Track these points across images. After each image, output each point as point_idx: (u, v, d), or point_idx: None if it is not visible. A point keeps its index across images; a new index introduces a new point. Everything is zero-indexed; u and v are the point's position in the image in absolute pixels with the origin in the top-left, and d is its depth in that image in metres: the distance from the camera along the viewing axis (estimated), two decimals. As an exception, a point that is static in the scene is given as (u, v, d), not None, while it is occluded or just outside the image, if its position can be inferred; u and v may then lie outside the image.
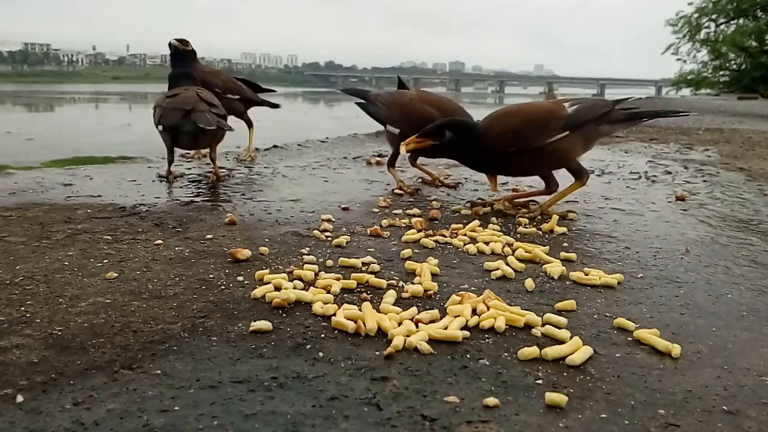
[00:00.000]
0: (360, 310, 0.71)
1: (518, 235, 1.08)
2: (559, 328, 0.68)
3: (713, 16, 14.89)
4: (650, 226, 1.19)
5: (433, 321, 0.69)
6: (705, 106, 6.19)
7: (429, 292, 0.78)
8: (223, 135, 1.51)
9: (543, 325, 0.69)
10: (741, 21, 14.59)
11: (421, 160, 1.57)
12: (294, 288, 0.78)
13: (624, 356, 0.63)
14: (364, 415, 0.51)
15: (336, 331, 0.67)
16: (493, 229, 1.09)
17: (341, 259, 0.90)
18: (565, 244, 1.04)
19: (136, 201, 1.27)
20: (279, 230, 1.07)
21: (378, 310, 0.71)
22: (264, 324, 0.67)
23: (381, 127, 1.59)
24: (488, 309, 0.71)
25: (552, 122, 1.20)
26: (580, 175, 1.24)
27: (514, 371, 0.59)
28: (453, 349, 0.63)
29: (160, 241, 0.98)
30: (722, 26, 14.89)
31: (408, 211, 1.23)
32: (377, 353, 0.62)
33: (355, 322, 0.67)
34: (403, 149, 1.25)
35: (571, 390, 0.56)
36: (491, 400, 0.53)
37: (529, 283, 0.82)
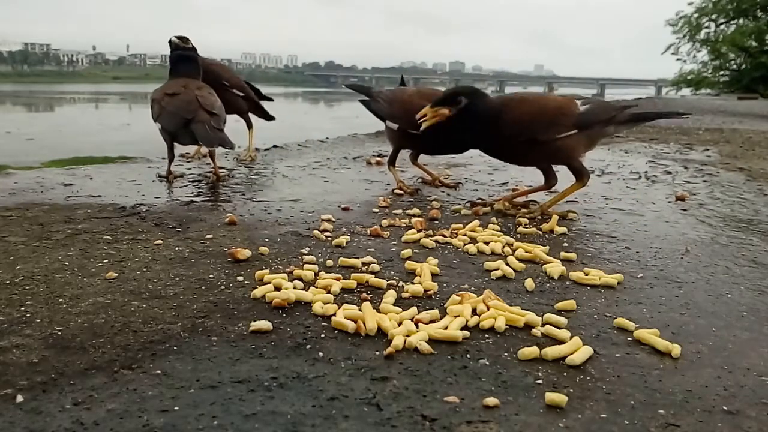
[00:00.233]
0: (360, 310, 0.71)
1: (518, 235, 1.08)
2: (559, 328, 0.68)
3: (713, 16, 14.89)
4: (650, 226, 1.19)
5: (433, 321, 0.69)
6: (705, 106, 6.19)
7: (429, 292, 0.78)
8: None
9: (543, 325, 0.69)
10: (741, 21, 14.59)
11: (421, 159, 1.57)
12: (294, 288, 0.78)
13: (624, 356, 0.63)
14: (364, 415, 0.51)
15: (336, 331, 0.67)
16: (493, 229, 1.09)
17: (341, 259, 0.90)
18: (565, 244, 1.04)
19: (136, 201, 1.27)
20: (279, 230, 1.07)
21: (378, 310, 0.71)
22: (264, 324, 0.67)
23: (381, 127, 1.59)
24: (488, 309, 0.71)
25: (563, 118, 1.20)
26: (581, 176, 1.24)
27: (514, 371, 0.59)
28: (453, 349, 0.63)
29: (160, 241, 0.98)
30: (722, 26, 14.89)
31: (408, 211, 1.23)
32: (377, 353, 0.62)
33: (355, 322, 0.67)
34: (424, 126, 1.23)
35: (571, 390, 0.56)
36: (491, 400, 0.53)
37: (529, 283, 0.82)
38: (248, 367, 0.59)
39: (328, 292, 0.77)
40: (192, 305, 0.73)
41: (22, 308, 0.71)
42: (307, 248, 0.97)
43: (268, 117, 2.02)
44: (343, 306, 0.72)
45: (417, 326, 0.67)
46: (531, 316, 0.69)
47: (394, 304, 0.73)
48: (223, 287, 0.79)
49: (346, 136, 2.68)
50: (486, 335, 0.67)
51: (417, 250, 0.97)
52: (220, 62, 2.02)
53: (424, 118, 1.22)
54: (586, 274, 0.86)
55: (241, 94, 1.90)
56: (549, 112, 1.21)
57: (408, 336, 0.64)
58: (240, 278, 0.82)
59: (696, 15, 14.93)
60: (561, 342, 0.65)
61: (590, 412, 0.53)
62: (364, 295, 0.76)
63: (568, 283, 0.85)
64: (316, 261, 0.90)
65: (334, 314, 0.70)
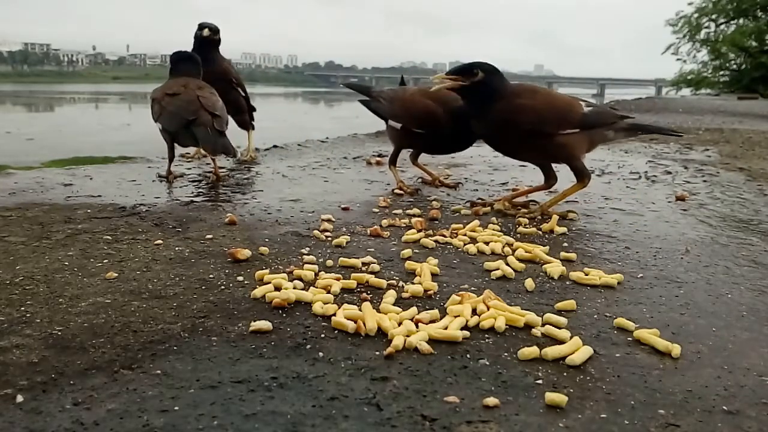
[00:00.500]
0: (360, 310, 0.71)
1: (518, 235, 1.08)
2: (559, 328, 0.68)
3: (713, 16, 14.88)
4: (650, 226, 1.19)
5: (433, 321, 0.69)
6: (705, 106, 6.19)
7: (429, 292, 0.78)
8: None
9: (543, 325, 0.69)
10: (741, 21, 14.58)
11: (421, 159, 1.57)
12: (294, 288, 0.78)
13: (624, 356, 0.63)
14: (364, 415, 0.51)
15: (336, 331, 0.67)
16: (493, 229, 1.09)
17: (341, 259, 0.90)
18: (565, 244, 1.04)
19: (136, 201, 1.27)
20: (279, 230, 1.07)
21: (378, 310, 0.71)
22: (264, 324, 0.67)
23: (381, 127, 1.59)
24: (488, 309, 0.71)
25: (570, 115, 1.21)
26: (582, 176, 1.24)
27: (514, 371, 0.59)
28: (453, 349, 0.63)
29: (160, 241, 0.98)
30: (722, 26, 14.89)
31: (408, 211, 1.23)
32: (377, 353, 0.62)
33: (355, 322, 0.67)
34: (435, 88, 1.24)
35: (571, 390, 0.56)
36: (491, 400, 0.53)
37: (529, 283, 0.82)
38: (248, 367, 0.59)
39: (328, 292, 0.77)
40: (192, 305, 0.73)
41: (22, 308, 0.71)
42: (307, 248, 0.97)
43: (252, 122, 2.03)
44: (343, 306, 0.72)
45: (417, 326, 0.67)
46: (531, 316, 0.69)
47: (394, 304, 0.73)
48: (223, 287, 0.79)
49: (346, 136, 2.68)
50: (486, 335, 0.67)
51: (417, 250, 0.97)
52: (229, 60, 2.03)
53: (436, 82, 1.23)
54: (586, 274, 0.86)
55: (243, 94, 1.91)
56: (558, 106, 1.22)
57: (408, 336, 0.64)
58: (240, 278, 0.82)
59: (696, 15, 14.93)
60: (561, 342, 0.65)
61: (590, 412, 0.53)
62: (364, 295, 0.76)
63: (568, 283, 0.85)
64: (316, 261, 0.90)
65: (334, 314, 0.70)
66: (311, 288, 0.78)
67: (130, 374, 0.57)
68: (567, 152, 1.23)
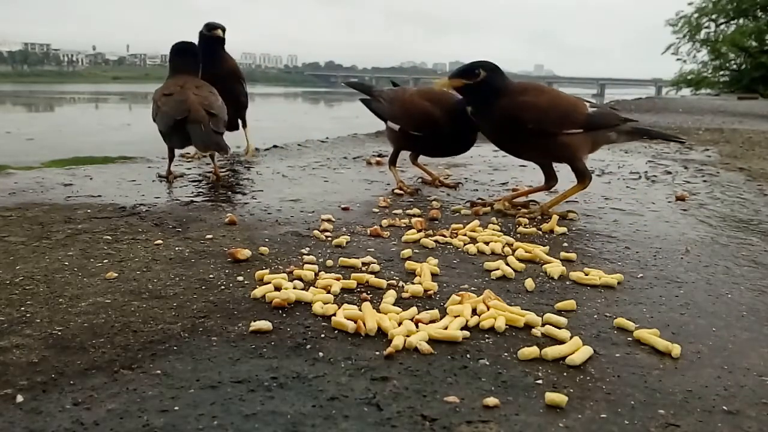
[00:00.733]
0: (360, 310, 0.71)
1: (518, 235, 1.08)
2: (559, 328, 0.68)
3: (713, 16, 14.88)
4: (650, 226, 1.19)
5: (433, 321, 0.69)
6: (705, 106, 6.19)
7: (429, 292, 0.78)
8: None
9: (543, 325, 0.69)
10: (741, 21, 14.58)
11: (421, 159, 1.57)
12: (294, 288, 0.78)
13: (624, 356, 0.63)
14: (364, 415, 0.51)
15: (336, 331, 0.67)
16: (493, 229, 1.09)
17: (341, 259, 0.90)
18: (565, 244, 1.04)
19: (136, 201, 1.27)
20: (279, 230, 1.07)
21: (378, 310, 0.71)
22: (264, 324, 0.67)
23: (381, 127, 1.59)
24: (488, 309, 0.71)
25: (574, 115, 1.21)
26: (583, 177, 1.24)
27: (514, 371, 0.59)
28: (453, 349, 0.63)
29: (160, 241, 0.98)
30: (722, 26, 14.89)
31: (408, 211, 1.23)
32: (377, 353, 0.62)
33: (355, 322, 0.67)
34: (437, 87, 1.27)
35: (571, 390, 0.56)
36: (491, 400, 0.53)
37: (529, 283, 0.82)
38: (248, 367, 0.59)
39: (328, 292, 0.77)
40: (192, 305, 0.73)
41: (22, 308, 0.71)
42: (307, 248, 0.97)
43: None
44: (343, 306, 0.72)
45: (417, 326, 0.67)
46: (531, 316, 0.69)
47: (394, 304, 0.73)
48: (223, 287, 0.79)
49: (346, 136, 2.67)
50: (486, 335, 0.67)
51: (417, 250, 0.97)
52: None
53: (444, 85, 1.24)
54: (586, 274, 0.86)
55: (245, 92, 1.93)
56: (563, 106, 1.22)
57: (408, 336, 0.64)
58: (240, 278, 0.82)
59: (696, 15, 14.93)
60: (561, 342, 0.65)
61: (590, 412, 0.53)
62: (364, 295, 0.76)
63: (568, 283, 0.85)
64: (316, 261, 0.90)
65: (334, 314, 0.70)
66: (311, 288, 0.78)
67: (130, 374, 0.57)
68: (569, 152, 1.23)
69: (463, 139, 1.41)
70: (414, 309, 0.72)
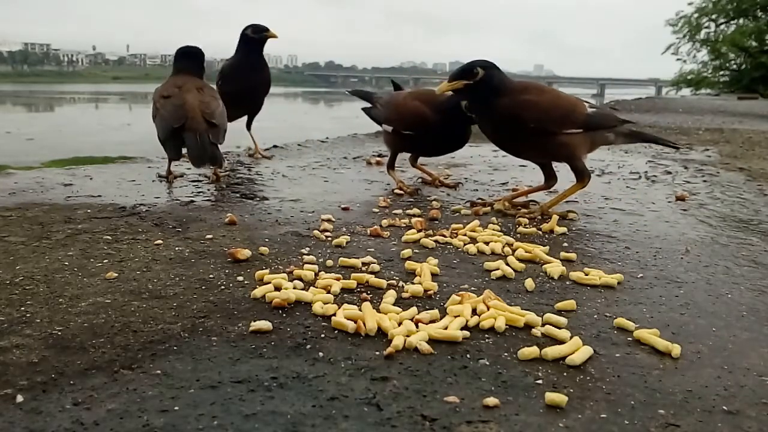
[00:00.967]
0: (360, 310, 0.71)
1: (518, 235, 1.08)
2: (559, 328, 0.68)
3: (713, 16, 14.89)
4: (650, 226, 1.19)
5: (433, 321, 0.69)
6: (705, 106, 6.19)
7: (429, 292, 0.78)
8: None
9: (543, 325, 0.69)
10: (741, 21, 14.58)
11: (421, 160, 1.57)
12: (294, 288, 0.78)
13: (624, 356, 0.63)
14: (364, 415, 0.51)
15: (336, 331, 0.67)
16: (493, 229, 1.09)
17: (341, 259, 0.90)
18: (565, 244, 1.04)
19: (136, 201, 1.27)
20: (279, 230, 1.07)
21: (378, 310, 0.71)
22: (264, 324, 0.67)
23: (381, 127, 1.59)
24: (488, 309, 0.71)
25: (574, 115, 1.21)
26: (583, 176, 1.24)
27: (514, 371, 0.59)
28: (453, 349, 0.63)
29: (160, 241, 0.98)
30: (722, 26, 14.89)
31: (408, 211, 1.23)
32: (377, 353, 0.62)
33: (355, 322, 0.67)
34: (438, 92, 1.28)
35: (571, 390, 0.56)
36: (491, 400, 0.53)
37: (529, 283, 0.82)
38: (248, 367, 0.59)
39: (328, 292, 0.77)
40: (192, 305, 0.73)
41: (22, 308, 0.71)
42: (307, 248, 0.97)
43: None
44: (343, 306, 0.72)
45: (417, 326, 0.67)
46: (531, 316, 0.69)
47: (394, 304, 0.73)
48: (223, 287, 0.79)
49: (346, 136, 2.68)
50: (486, 335, 0.67)
51: (417, 250, 0.97)
52: None
53: (443, 89, 1.24)
54: (586, 274, 0.86)
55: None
56: (564, 105, 1.23)
57: (408, 336, 0.64)
58: (240, 278, 0.82)
59: (696, 15, 14.93)
60: (561, 342, 0.65)
61: (590, 412, 0.53)
62: (364, 295, 0.76)
63: (568, 283, 0.85)
64: (316, 261, 0.90)
65: (334, 314, 0.70)
66: (311, 288, 0.78)
67: (130, 374, 0.57)
68: (569, 152, 1.23)
69: (458, 135, 1.42)
70: (414, 309, 0.72)
